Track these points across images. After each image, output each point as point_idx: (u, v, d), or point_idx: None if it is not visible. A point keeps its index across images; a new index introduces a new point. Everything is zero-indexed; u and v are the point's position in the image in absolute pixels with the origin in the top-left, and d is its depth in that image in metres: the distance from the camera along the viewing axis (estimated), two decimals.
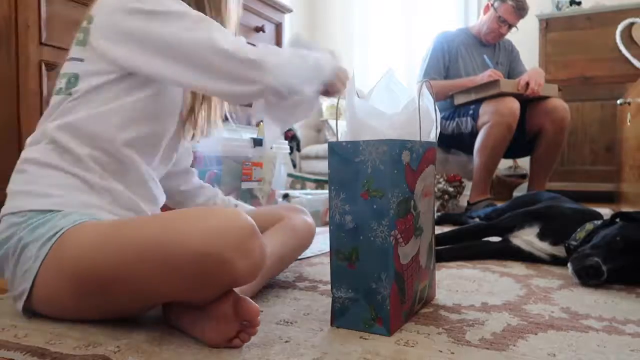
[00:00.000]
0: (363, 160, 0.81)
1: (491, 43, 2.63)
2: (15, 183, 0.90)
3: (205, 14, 0.98)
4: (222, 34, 0.90)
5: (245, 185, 1.68)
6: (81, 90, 0.91)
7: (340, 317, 0.84)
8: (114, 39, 0.91)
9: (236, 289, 0.79)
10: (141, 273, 0.75)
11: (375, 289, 0.81)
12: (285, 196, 2.02)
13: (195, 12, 0.92)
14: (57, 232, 0.81)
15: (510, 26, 2.52)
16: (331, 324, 0.85)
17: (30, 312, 0.87)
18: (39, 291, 0.82)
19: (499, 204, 1.93)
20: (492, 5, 2.52)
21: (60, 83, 0.95)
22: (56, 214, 0.84)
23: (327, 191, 2.43)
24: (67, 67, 0.95)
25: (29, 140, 0.95)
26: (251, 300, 0.76)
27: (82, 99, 0.91)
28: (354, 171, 0.82)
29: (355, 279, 0.83)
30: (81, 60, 0.93)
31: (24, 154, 0.93)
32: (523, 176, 3.44)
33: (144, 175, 0.97)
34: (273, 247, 1.01)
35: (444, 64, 2.58)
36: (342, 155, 0.83)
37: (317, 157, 3.37)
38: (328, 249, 0.87)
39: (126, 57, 0.90)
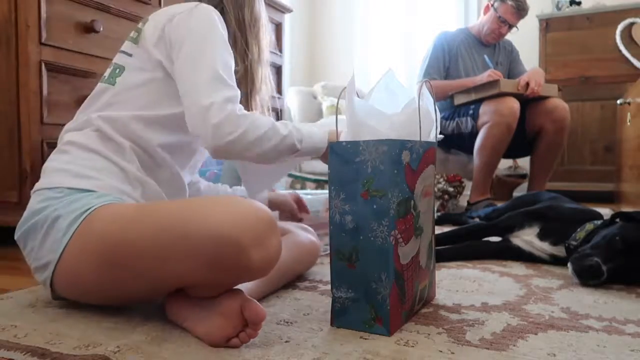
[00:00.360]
0: (363, 160, 0.81)
1: (491, 43, 2.63)
2: (56, 161, 0.95)
3: (247, 37, 1.10)
4: (224, 96, 0.93)
5: None
6: (124, 82, 0.98)
7: (340, 317, 0.84)
8: (160, 45, 0.99)
9: (238, 290, 0.80)
10: (161, 249, 0.77)
11: (375, 289, 0.81)
12: None
13: (224, 63, 0.98)
14: (89, 209, 0.84)
15: (510, 26, 2.52)
16: (331, 324, 0.85)
17: (54, 293, 0.90)
18: (65, 264, 0.84)
19: (499, 204, 1.93)
20: (492, 5, 2.52)
21: (106, 72, 1.03)
22: (92, 193, 0.88)
23: (326, 191, 2.43)
24: (116, 59, 1.04)
25: (68, 126, 1.01)
26: (259, 304, 0.76)
27: (127, 95, 0.98)
28: (354, 171, 0.82)
29: (356, 279, 0.83)
30: (130, 55, 1.01)
31: (67, 137, 0.98)
32: (523, 176, 3.44)
33: (174, 176, 1.02)
34: (280, 261, 1.01)
35: (444, 64, 2.58)
36: (342, 155, 0.83)
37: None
38: (328, 250, 0.87)
39: (166, 65, 0.98)
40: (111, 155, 0.94)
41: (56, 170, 0.92)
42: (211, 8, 1.01)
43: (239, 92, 0.98)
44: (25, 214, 0.92)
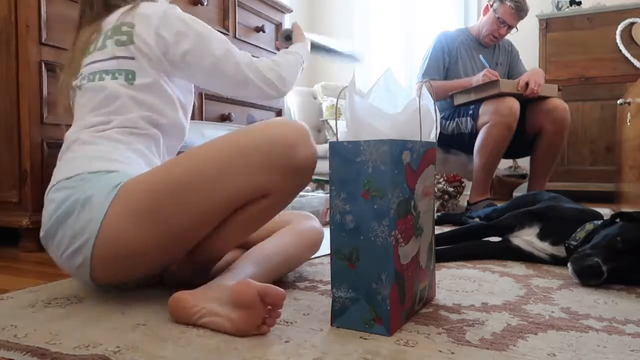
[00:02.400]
0: (364, 160, 0.81)
1: (490, 44, 2.62)
2: (71, 154, 0.99)
3: None
4: (240, 54, 1.14)
5: None
6: (140, 86, 1.05)
7: (340, 317, 0.84)
8: (160, 45, 1.07)
9: (248, 280, 0.81)
10: (215, 168, 0.88)
11: (375, 289, 0.81)
12: None
13: (219, 35, 1.12)
14: (120, 183, 0.90)
15: (509, 27, 2.51)
16: (331, 324, 0.85)
17: (94, 278, 0.93)
18: (107, 233, 0.87)
19: (499, 204, 1.93)
20: (491, 6, 2.51)
21: (108, 78, 1.05)
22: (117, 173, 0.93)
23: (321, 192, 2.43)
24: (115, 64, 1.05)
25: (79, 127, 1.04)
26: (275, 286, 0.79)
27: (143, 98, 1.05)
28: (355, 171, 0.82)
29: (356, 278, 0.83)
30: (132, 58, 1.05)
31: (82, 135, 1.01)
32: (523, 176, 3.44)
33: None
34: (283, 247, 1.05)
35: (444, 64, 2.58)
36: (343, 155, 0.83)
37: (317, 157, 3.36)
38: (329, 251, 0.87)
39: (166, 66, 1.08)
40: (134, 144, 1.00)
41: (72, 160, 0.97)
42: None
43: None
44: (48, 211, 0.93)
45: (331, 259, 0.85)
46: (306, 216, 1.21)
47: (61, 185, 0.93)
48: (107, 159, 0.95)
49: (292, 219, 1.17)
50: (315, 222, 1.21)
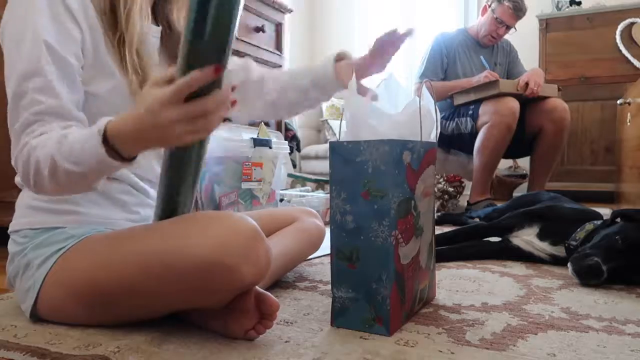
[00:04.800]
0: (364, 160, 0.81)
1: (488, 45, 2.62)
2: (20, 197, 0.90)
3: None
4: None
5: (245, 185, 1.68)
6: None
7: (340, 317, 0.84)
8: None
9: None
10: (146, 286, 0.74)
11: (375, 289, 0.81)
12: (281, 201, 2.02)
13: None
14: (64, 247, 0.80)
15: (508, 27, 2.51)
16: (331, 324, 0.85)
17: (38, 317, 0.86)
18: (44, 306, 0.82)
19: (499, 204, 1.93)
20: (490, 6, 2.51)
21: None
22: (61, 231, 0.82)
23: (319, 192, 2.43)
24: None
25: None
26: (272, 295, 0.78)
27: None
28: (355, 171, 0.82)
29: (356, 278, 0.83)
30: None
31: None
32: (523, 176, 3.44)
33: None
34: (284, 248, 1.05)
35: (442, 65, 2.58)
36: (343, 155, 0.83)
37: (317, 157, 3.36)
38: (329, 251, 0.87)
39: None
40: None
41: (18, 209, 0.88)
42: None
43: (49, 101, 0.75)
44: (8, 258, 0.88)
45: (331, 259, 0.85)
46: (309, 213, 1.21)
47: (12, 238, 0.87)
48: (47, 209, 0.84)
49: (296, 216, 1.17)
50: (318, 220, 1.21)
